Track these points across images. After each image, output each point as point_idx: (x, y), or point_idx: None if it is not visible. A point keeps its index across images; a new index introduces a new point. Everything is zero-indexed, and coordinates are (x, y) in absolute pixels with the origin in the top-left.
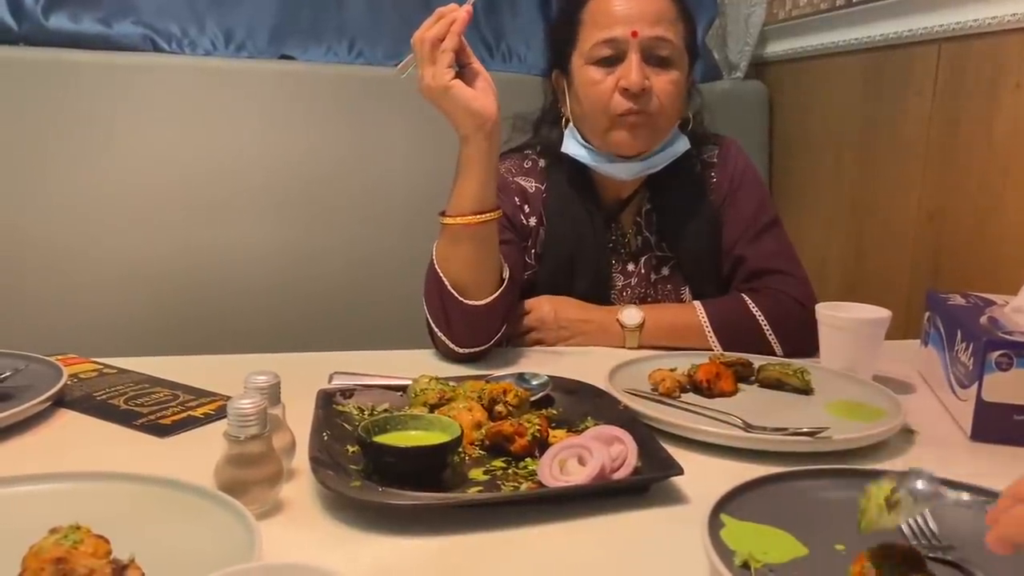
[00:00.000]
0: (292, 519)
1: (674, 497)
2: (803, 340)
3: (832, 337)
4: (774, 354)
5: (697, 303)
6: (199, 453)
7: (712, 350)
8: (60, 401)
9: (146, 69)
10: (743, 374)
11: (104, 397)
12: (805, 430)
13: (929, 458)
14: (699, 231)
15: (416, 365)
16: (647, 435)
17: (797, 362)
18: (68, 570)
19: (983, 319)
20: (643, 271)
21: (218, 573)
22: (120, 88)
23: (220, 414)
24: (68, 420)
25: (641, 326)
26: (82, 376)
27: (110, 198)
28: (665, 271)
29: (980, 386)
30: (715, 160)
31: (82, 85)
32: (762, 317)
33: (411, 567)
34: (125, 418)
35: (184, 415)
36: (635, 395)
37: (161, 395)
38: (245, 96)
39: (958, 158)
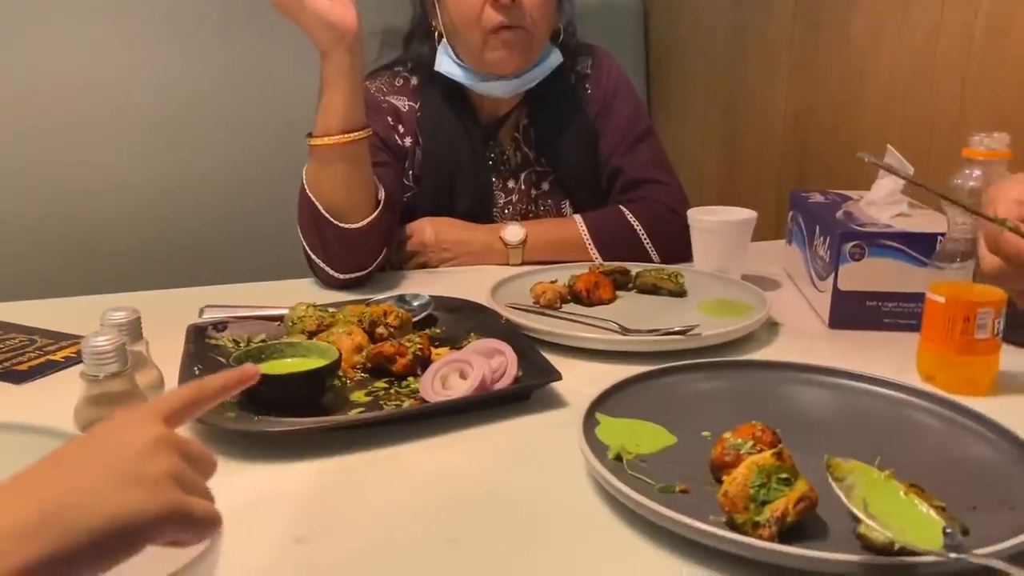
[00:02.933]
0: None
1: (554, 402)
2: (678, 246)
3: (702, 240)
4: (652, 261)
5: (577, 216)
6: (61, 398)
7: (593, 261)
8: None
9: None
10: (621, 282)
11: None
12: (676, 329)
13: (792, 347)
14: (577, 144)
15: (295, 295)
16: (527, 345)
17: (672, 267)
18: None
19: (839, 214)
20: (523, 187)
21: None
22: None
23: (81, 358)
24: None
25: (524, 242)
26: None
27: None
28: (545, 186)
29: (836, 276)
30: (588, 71)
31: None
32: (639, 226)
33: (291, 492)
34: None
35: (42, 359)
36: (517, 309)
37: (16, 341)
38: (114, 17)
39: (819, 59)
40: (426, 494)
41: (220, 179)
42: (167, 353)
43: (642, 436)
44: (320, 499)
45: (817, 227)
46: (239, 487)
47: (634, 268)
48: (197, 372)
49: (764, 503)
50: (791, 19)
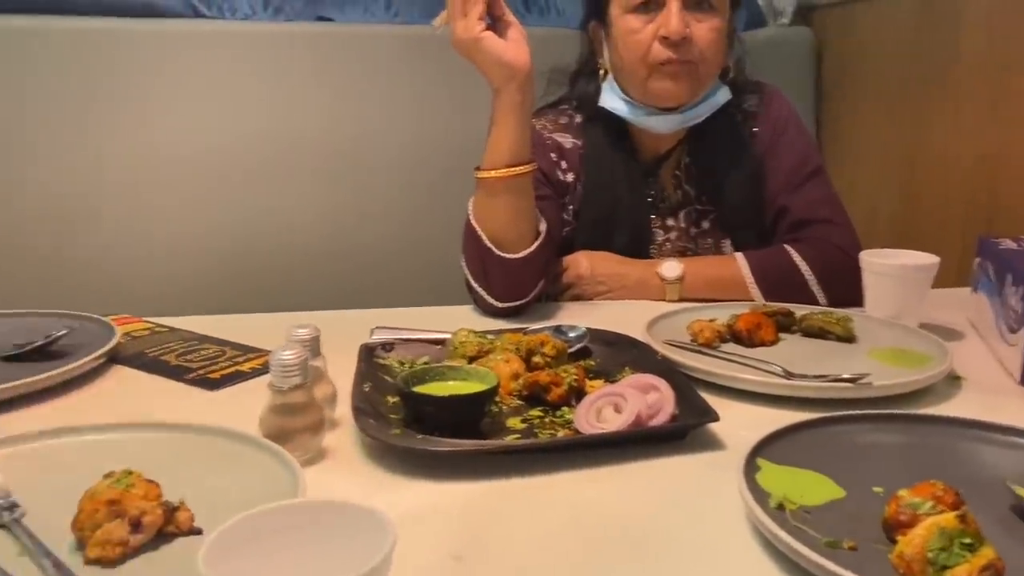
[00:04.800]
0: (335, 466)
1: (710, 444)
2: (847, 289)
3: (877, 285)
4: (818, 305)
5: (739, 254)
6: (246, 405)
7: (754, 302)
8: (113, 358)
9: (187, 35)
10: (785, 324)
11: (156, 354)
12: (846, 376)
13: (976, 404)
14: (740, 183)
15: (455, 321)
16: (684, 384)
17: (841, 311)
18: (121, 511)
19: None
20: (683, 225)
21: (265, 506)
22: (162, 53)
23: (266, 369)
24: (122, 376)
25: (681, 279)
26: (134, 335)
27: (155, 163)
28: (705, 225)
29: None
30: (757, 110)
31: (124, 52)
32: (805, 266)
33: (449, 510)
34: (176, 373)
35: (232, 370)
36: (673, 346)
37: (210, 351)
38: (285, 59)
39: (1011, 101)
40: (579, 524)
41: (389, 211)
42: (341, 368)
43: (807, 486)
44: (477, 519)
45: (1009, 275)
46: (403, 501)
47: (799, 310)
48: (366, 389)
49: (944, 568)
50: (982, 58)
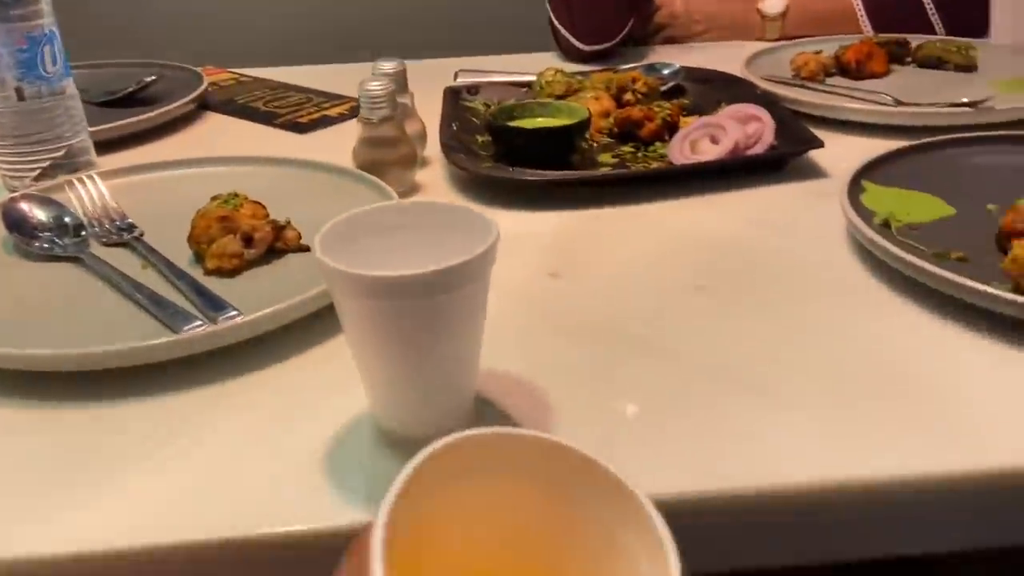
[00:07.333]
0: (429, 199)
1: (812, 173)
2: (971, 17)
3: (1006, 7)
4: (936, 35)
5: None
6: (337, 146)
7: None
8: (204, 105)
9: None
10: (898, 55)
11: (244, 101)
12: (965, 100)
13: None
14: None
15: (540, 66)
16: (786, 114)
17: (962, 39)
18: (232, 227)
19: None
20: None
21: (376, 204)
22: None
23: (353, 114)
24: (213, 122)
25: (784, 14)
26: (221, 84)
27: None
28: None
29: None
30: None
31: None
32: None
33: (543, 235)
34: (266, 118)
35: (320, 115)
36: (774, 81)
37: (296, 99)
38: None
39: None
40: (675, 245)
41: None
42: (427, 111)
43: (914, 205)
44: (572, 243)
45: None
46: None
47: (915, 39)
48: (454, 128)
49: None
50: None
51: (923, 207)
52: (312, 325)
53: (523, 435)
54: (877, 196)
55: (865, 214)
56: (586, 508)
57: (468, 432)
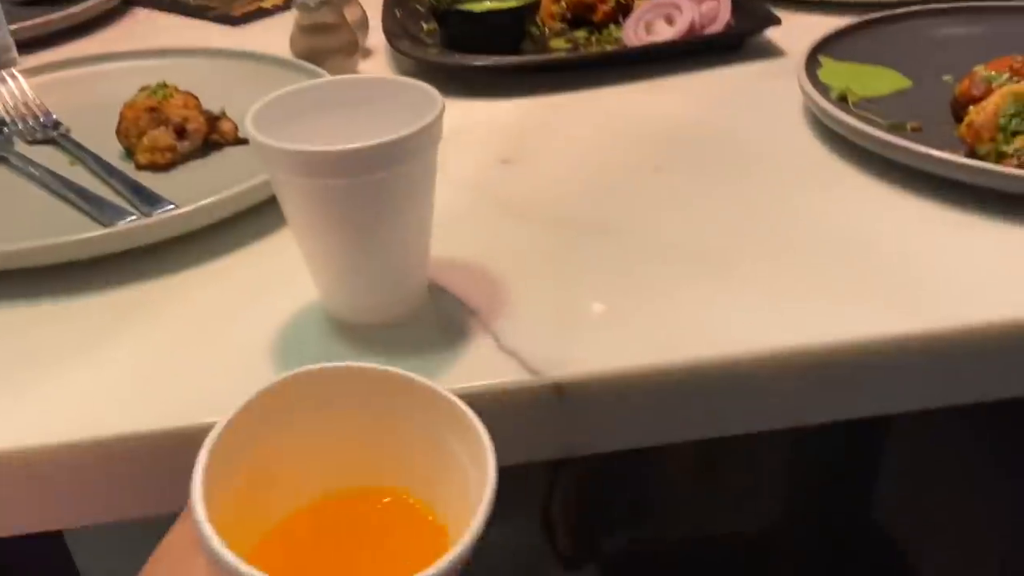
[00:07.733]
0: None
1: (770, 51)
2: None
3: None
4: None
5: None
6: (273, 38)
7: None
8: (129, 0)
9: None
10: None
11: None
12: None
13: None
14: None
15: None
16: None
17: None
18: (163, 118)
19: None
20: None
21: (311, 81)
22: None
23: (288, 6)
24: (140, 17)
25: None
26: None
27: None
28: None
29: None
30: None
31: None
32: None
33: (493, 123)
34: (197, 11)
35: (254, 7)
36: None
37: None
38: None
39: None
40: (630, 129)
41: None
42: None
43: (871, 79)
44: (524, 129)
45: None
46: (447, 118)
47: None
48: (397, 15)
49: (1015, 134)
50: None
51: (880, 80)
52: (255, 219)
53: (348, 367)
54: (834, 71)
55: (822, 89)
56: (416, 425)
57: (297, 370)
